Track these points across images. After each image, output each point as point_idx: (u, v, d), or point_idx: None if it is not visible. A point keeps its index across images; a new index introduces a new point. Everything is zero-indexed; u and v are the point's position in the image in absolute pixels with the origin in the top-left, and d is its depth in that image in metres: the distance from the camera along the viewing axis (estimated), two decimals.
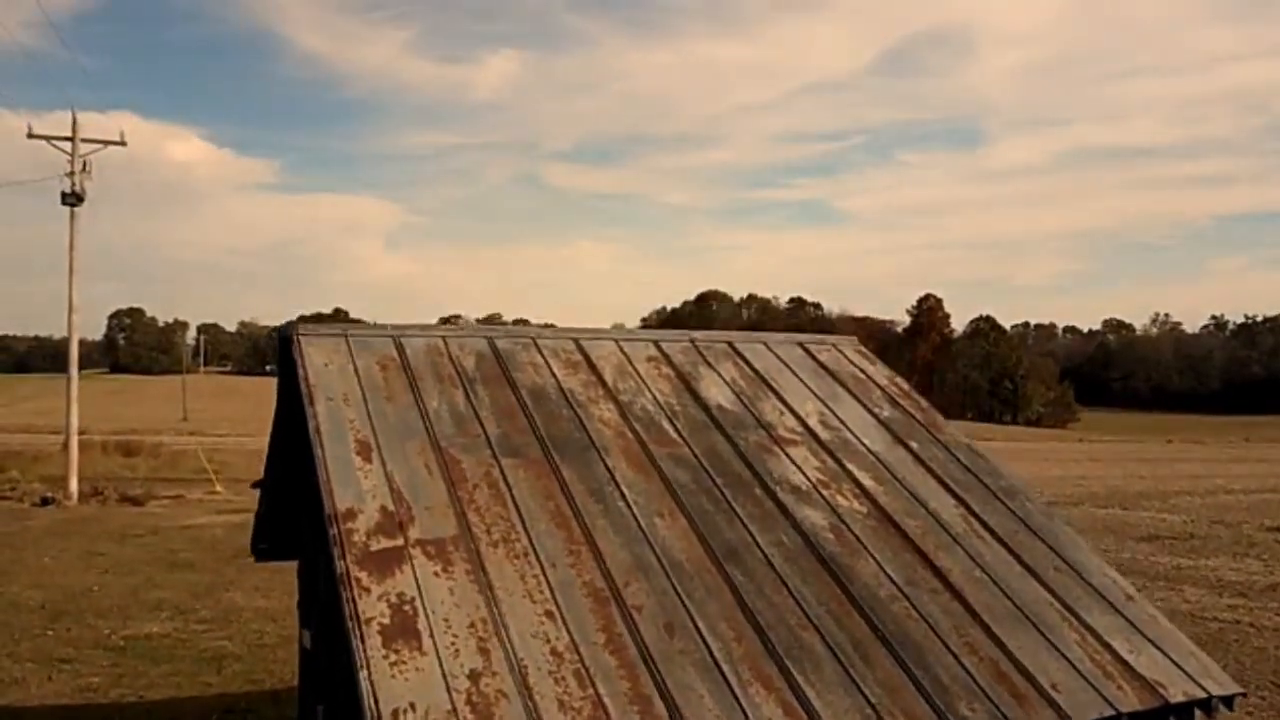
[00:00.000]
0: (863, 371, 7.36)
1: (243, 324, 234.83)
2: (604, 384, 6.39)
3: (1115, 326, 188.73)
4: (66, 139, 25.90)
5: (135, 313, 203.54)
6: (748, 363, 7.10)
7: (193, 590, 15.92)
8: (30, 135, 25.75)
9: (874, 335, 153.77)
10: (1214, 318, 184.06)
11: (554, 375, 6.37)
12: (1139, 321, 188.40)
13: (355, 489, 4.97)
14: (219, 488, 29.92)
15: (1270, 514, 29.30)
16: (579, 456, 5.61)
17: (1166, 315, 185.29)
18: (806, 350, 7.49)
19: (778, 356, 7.28)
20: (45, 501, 25.93)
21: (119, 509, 25.83)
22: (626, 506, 5.28)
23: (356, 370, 5.94)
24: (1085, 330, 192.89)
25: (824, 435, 6.41)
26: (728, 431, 6.21)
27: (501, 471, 5.34)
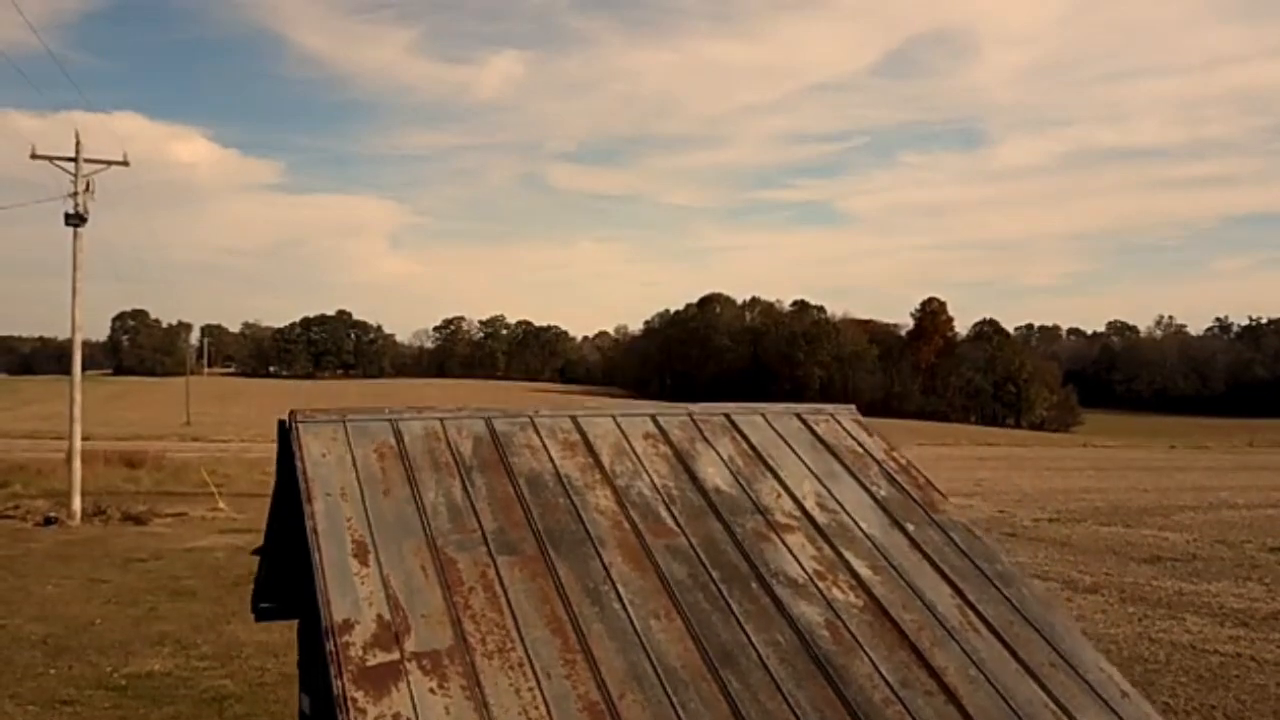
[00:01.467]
0: (860, 445, 7.37)
1: (246, 325, 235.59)
2: (601, 467, 6.41)
3: (1119, 329, 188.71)
4: (70, 159, 25.94)
5: (139, 314, 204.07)
6: (745, 438, 7.12)
7: (194, 622, 15.97)
8: (34, 156, 25.77)
9: (878, 338, 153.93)
10: (1218, 320, 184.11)
11: (551, 459, 6.39)
12: (1143, 324, 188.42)
13: (352, 597, 4.99)
14: (222, 504, 30.01)
15: (1273, 532, 29.31)
16: (575, 551, 5.63)
17: (1171, 318, 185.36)
18: (804, 422, 7.50)
19: (775, 430, 7.29)
20: (48, 521, 26.01)
21: (122, 529, 25.91)
22: (622, 608, 5.30)
23: (354, 460, 5.97)
24: (1089, 332, 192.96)
25: (821, 519, 6.42)
26: (725, 517, 6.22)
27: (497, 572, 5.36)
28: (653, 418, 7.12)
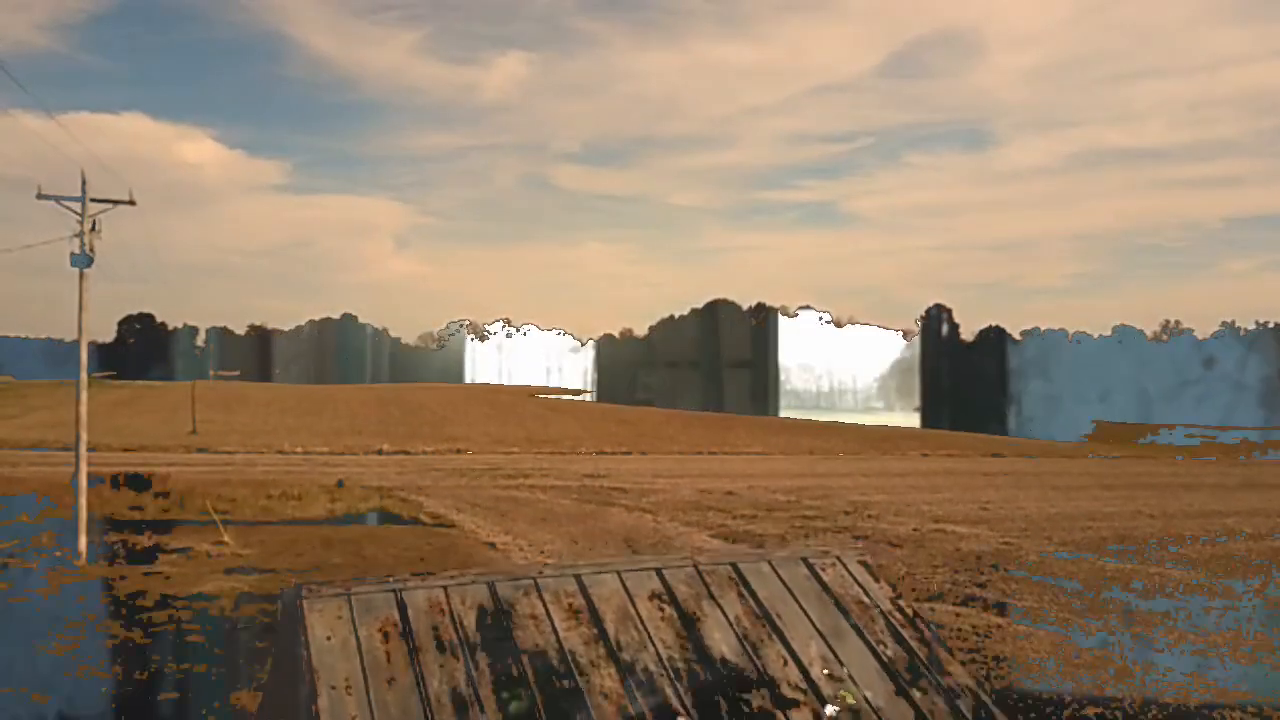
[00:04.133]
0: (866, 594, 7.33)
1: (252, 326, 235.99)
2: (605, 639, 6.38)
3: (1125, 332, 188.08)
4: (76, 199, 25.94)
5: (145, 317, 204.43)
6: (751, 592, 7.08)
7: (198, 690, 15.95)
8: (39, 196, 25.78)
9: (883, 344, 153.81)
10: (1224, 323, 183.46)
11: (555, 630, 6.36)
12: (1149, 328, 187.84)
13: None
14: (226, 538, 30.01)
15: None
16: None
17: (1177, 322, 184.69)
18: (810, 569, 7.46)
19: (781, 580, 7.25)
20: (54, 562, 25.96)
21: (127, 570, 25.88)
22: None
23: (359, 643, 5.95)
24: (1095, 336, 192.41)
25: (826, 691, 6.38)
26: (731, 694, 6.19)
27: None
28: (658, 572, 7.08)
